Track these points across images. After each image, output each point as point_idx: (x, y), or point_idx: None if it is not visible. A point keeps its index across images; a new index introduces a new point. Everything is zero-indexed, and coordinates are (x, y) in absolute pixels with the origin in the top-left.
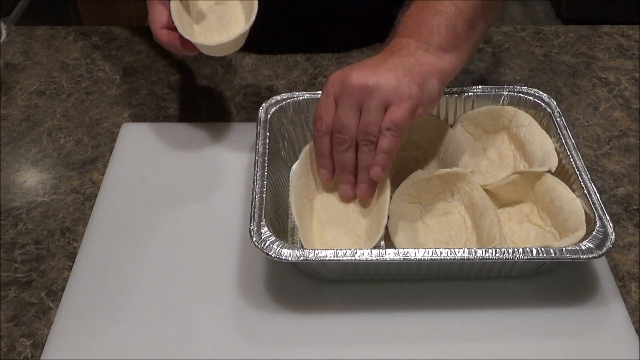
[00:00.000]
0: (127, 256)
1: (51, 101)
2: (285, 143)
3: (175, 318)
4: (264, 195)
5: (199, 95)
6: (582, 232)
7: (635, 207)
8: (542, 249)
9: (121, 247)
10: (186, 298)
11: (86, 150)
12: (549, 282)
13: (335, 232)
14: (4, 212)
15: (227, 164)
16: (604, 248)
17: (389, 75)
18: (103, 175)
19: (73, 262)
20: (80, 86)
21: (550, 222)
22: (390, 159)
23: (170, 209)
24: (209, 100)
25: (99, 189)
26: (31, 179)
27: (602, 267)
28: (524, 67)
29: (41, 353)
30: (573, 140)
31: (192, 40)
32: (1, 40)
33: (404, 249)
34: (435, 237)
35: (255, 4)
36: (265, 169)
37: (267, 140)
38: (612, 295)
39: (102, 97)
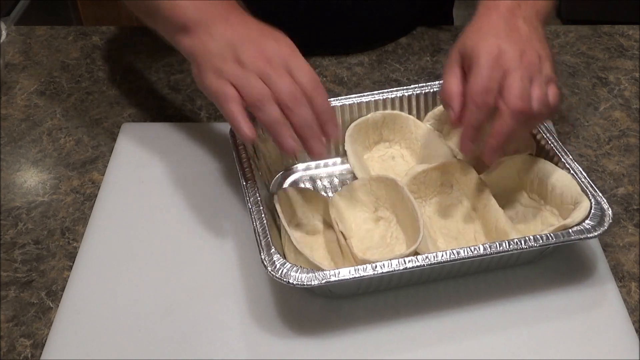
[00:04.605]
0: (127, 256)
1: (51, 101)
2: None
3: (177, 318)
4: (265, 221)
5: (199, 95)
6: (586, 202)
7: (635, 207)
8: (551, 234)
9: (121, 247)
10: (187, 299)
11: (86, 150)
12: (548, 281)
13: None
14: (4, 212)
15: (227, 163)
16: (605, 223)
17: (545, 48)
18: (103, 175)
19: (73, 262)
20: (80, 86)
21: (544, 201)
22: None
23: (170, 209)
24: (209, 101)
25: (99, 189)
26: (31, 179)
27: (602, 268)
28: None
29: (41, 353)
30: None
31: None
32: (1, 40)
33: (423, 253)
34: (445, 232)
35: None
36: (257, 193)
37: (250, 161)
38: (612, 295)
39: (102, 97)
